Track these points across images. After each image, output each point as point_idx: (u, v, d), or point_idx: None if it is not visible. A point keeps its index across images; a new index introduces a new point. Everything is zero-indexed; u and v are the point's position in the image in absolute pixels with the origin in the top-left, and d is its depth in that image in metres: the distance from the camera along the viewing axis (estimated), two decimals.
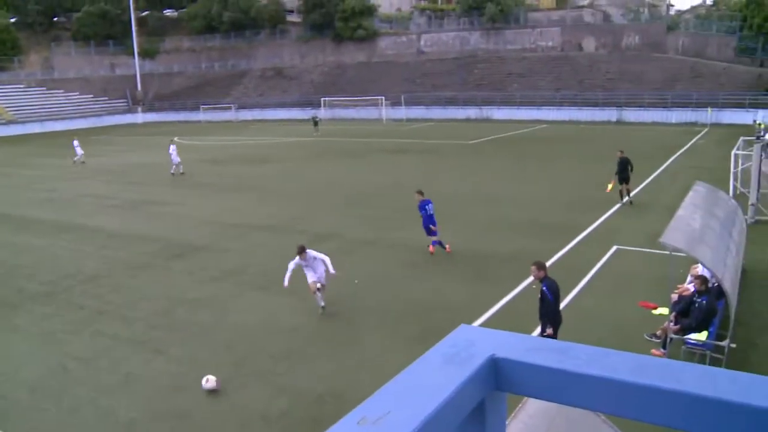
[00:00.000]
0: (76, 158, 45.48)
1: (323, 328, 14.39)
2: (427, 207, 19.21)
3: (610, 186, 24.92)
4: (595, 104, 66.59)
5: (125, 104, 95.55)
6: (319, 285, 14.83)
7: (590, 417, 3.75)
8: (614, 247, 19.33)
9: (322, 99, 79.71)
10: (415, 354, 1.36)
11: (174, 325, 14.98)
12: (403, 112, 74.70)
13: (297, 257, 14.72)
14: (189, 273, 18.76)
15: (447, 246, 19.38)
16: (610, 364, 1.32)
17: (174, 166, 36.56)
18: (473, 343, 1.41)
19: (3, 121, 78.38)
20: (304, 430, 10.16)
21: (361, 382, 11.51)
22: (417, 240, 20.13)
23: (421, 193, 19.47)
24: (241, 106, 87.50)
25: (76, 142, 46.28)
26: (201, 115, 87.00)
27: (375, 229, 22.89)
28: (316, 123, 63.79)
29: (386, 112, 74.47)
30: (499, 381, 1.36)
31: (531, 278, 13.62)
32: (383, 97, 74.68)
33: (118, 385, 12.29)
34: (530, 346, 1.40)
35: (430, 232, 19.25)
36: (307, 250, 14.82)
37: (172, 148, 36.39)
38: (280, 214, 26.00)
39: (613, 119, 64.36)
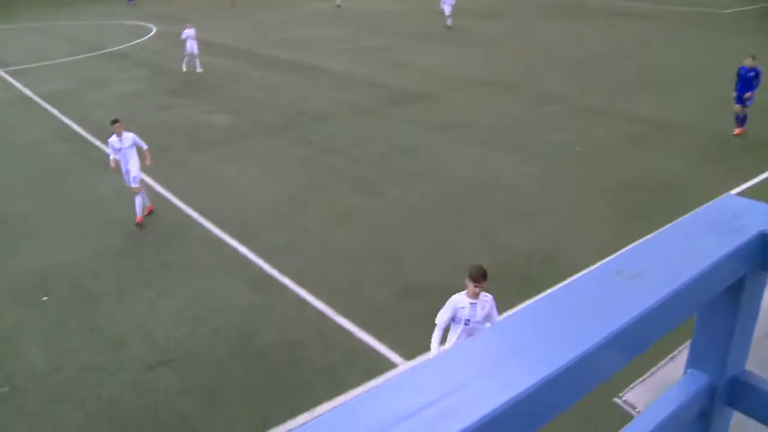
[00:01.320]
0: (338, 2, 47.76)
1: (541, 191, 14.29)
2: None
3: None
4: None
5: None
6: None
7: None
8: None
9: None
10: (631, 232, 1.38)
11: (393, 168, 15.71)
12: None
13: None
14: (411, 120, 19.32)
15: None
16: None
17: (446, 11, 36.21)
18: (741, 214, 1.29)
19: None
20: (511, 287, 10.48)
21: (572, 249, 11.55)
22: (647, 112, 19.10)
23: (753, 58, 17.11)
24: None
25: None
26: None
27: (603, 97, 21.82)
28: None
29: None
30: (766, 259, 1.24)
31: None
32: None
33: (339, 219, 13.32)
34: None
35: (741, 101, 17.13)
36: None
37: None
38: (507, 70, 25.57)
39: None
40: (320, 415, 0.78)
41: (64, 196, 15.26)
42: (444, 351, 1.02)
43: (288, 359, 9.11)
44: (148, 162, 14.07)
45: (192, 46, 27.11)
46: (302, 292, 10.68)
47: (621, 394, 7.86)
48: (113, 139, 13.64)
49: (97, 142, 19.52)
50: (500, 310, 9.70)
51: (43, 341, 10.03)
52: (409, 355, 8.93)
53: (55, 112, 23.83)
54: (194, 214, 13.99)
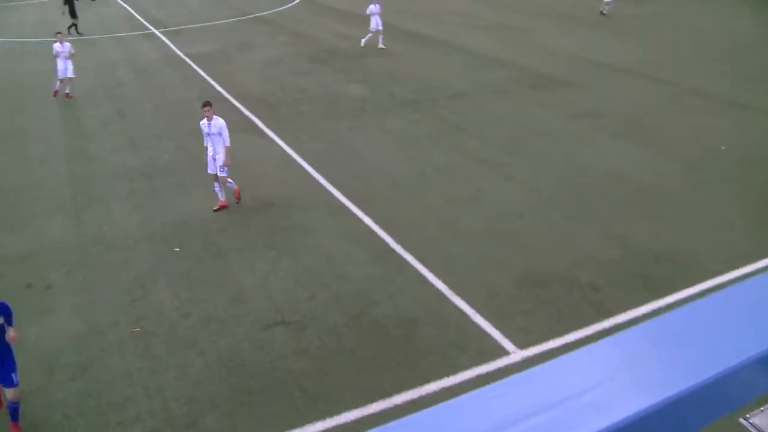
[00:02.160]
0: None
1: (676, 190, 13.42)
2: None
3: None
4: None
5: None
6: None
7: None
8: None
9: None
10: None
11: (525, 152, 15.38)
12: None
13: None
14: (548, 105, 18.81)
15: None
16: None
17: None
18: None
19: None
20: (633, 285, 10.06)
21: (706, 255, 10.90)
22: None
23: None
24: None
25: None
26: None
27: (757, 92, 20.06)
28: None
29: None
30: None
31: None
32: None
33: (465, 199, 13.19)
34: None
35: None
36: None
37: None
38: (653, 59, 24.23)
39: None
40: (470, 393, 0.74)
41: (203, 154, 15.92)
42: (592, 348, 0.97)
43: (402, 333, 9.14)
44: (227, 161, 13.03)
45: (377, 22, 26.78)
46: (422, 269, 10.67)
47: (748, 416, 7.39)
48: (203, 122, 13.12)
49: (238, 104, 20.25)
50: (623, 308, 9.40)
51: (173, 289, 10.56)
52: (523, 344, 8.76)
53: (202, 72, 24.91)
54: (322, 180, 14.27)
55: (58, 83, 22.26)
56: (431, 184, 13.98)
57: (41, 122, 20.00)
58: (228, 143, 12.98)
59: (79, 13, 35.01)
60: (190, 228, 12.57)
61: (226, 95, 21.38)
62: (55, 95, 22.34)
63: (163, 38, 32.38)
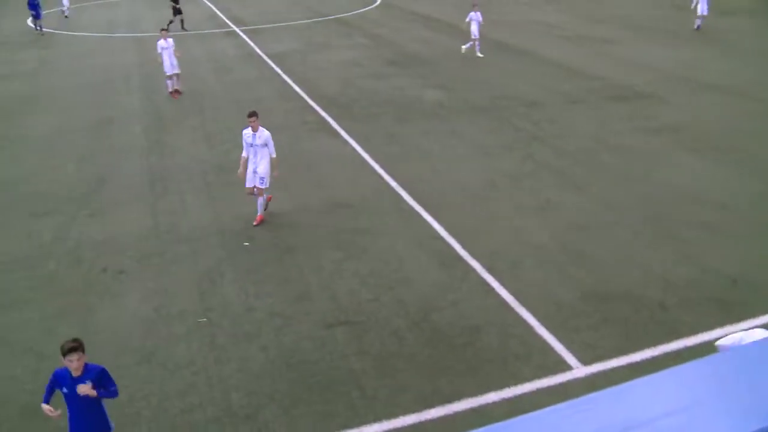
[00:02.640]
0: None
1: (757, 212, 12.83)
2: None
3: None
4: None
5: None
6: None
7: None
8: None
9: None
10: None
11: (599, 165, 15.05)
12: None
13: None
14: (626, 118, 18.35)
15: None
16: None
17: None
18: None
19: None
20: (705, 308, 9.71)
21: None
22: None
23: None
24: None
25: None
26: None
27: None
28: None
29: None
30: None
31: None
32: None
33: (535, 209, 13.00)
34: None
35: None
36: None
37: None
38: (739, 74, 23.34)
39: None
40: (576, 400, 0.72)
41: (278, 150, 16.12)
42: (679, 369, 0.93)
43: (464, 341, 9.07)
44: (275, 173, 12.73)
45: (476, 30, 26.35)
46: (488, 277, 10.57)
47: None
48: (247, 132, 12.42)
49: (313, 103, 20.49)
50: (693, 331, 9.09)
51: (240, 283, 10.75)
52: (587, 360, 8.56)
53: (279, 70, 25.32)
54: (393, 183, 14.30)
55: (168, 83, 22.15)
56: (501, 192, 13.84)
57: (126, 114, 20.70)
58: (274, 154, 12.51)
59: (167, 11, 36.07)
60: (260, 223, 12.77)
61: (302, 94, 21.68)
62: (173, 95, 22.15)
63: (244, 36, 33.05)
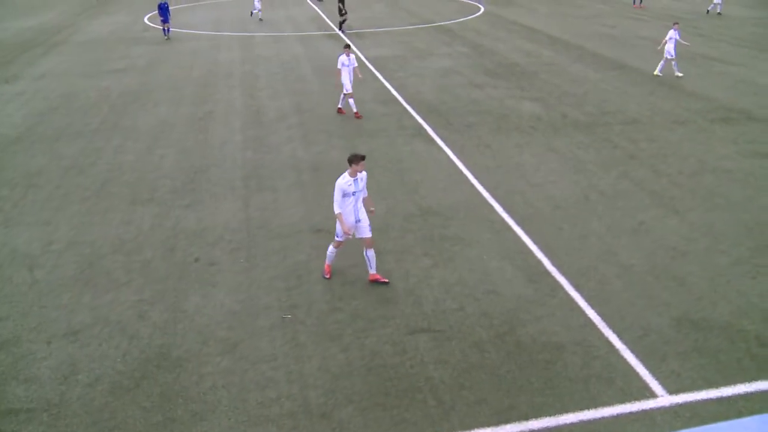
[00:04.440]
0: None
1: None
2: None
3: None
4: None
5: None
6: None
7: None
8: None
9: None
10: None
11: (699, 189, 14.50)
12: None
13: None
14: (733, 141, 17.59)
15: None
16: None
17: None
18: None
19: None
20: None
21: None
22: None
23: None
24: None
25: None
26: None
27: None
28: None
29: None
30: None
31: None
32: None
33: (629, 230, 12.65)
34: None
35: None
36: None
37: None
38: None
39: None
40: None
41: (373, 154, 16.28)
42: None
43: (546, 359, 8.91)
44: (373, 210, 11.10)
45: (672, 49, 24.53)
46: (576, 295, 10.36)
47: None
48: (346, 181, 10.26)
49: (410, 109, 20.60)
50: None
51: (327, 282, 10.90)
52: (672, 389, 8.26)
53: (378, 74, 25.57)
54: (486, 194, 14.21)
55: (351, 101, 20.15)
56: (595, 210, 13.52)
57: (227, 109, 21.40)
58: (366, 192, 10.75)
59: (271, 12, 37.08)
60: None
61: (400, 99, 21.84)
62: (340, 112, 20.67)
63: (346, 39, 33.54)
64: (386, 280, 10.90)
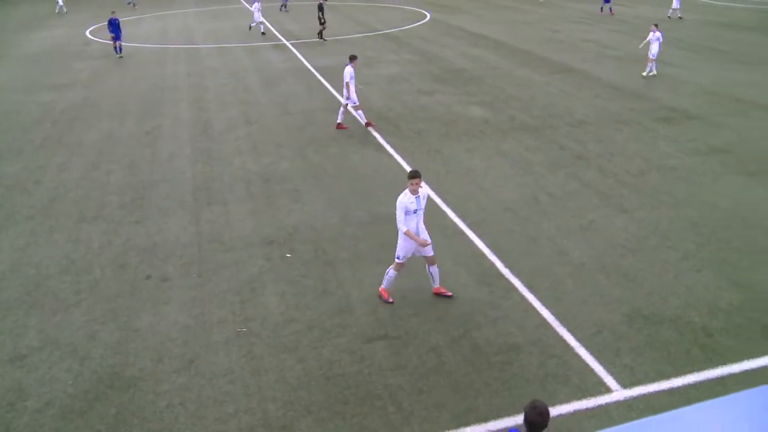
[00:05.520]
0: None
1: None
2: None
3: None
4: None
5: None
6: None
7: None
8: None
9: None
10: None
11: (645, 187, 14.82)
12: None
13: None
14: (675, 140, 18.05)
15: None
16: None
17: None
18: None
19: None
20: (752, 334, 9.45)
21: None
22: None
23: None
24: None
25: None
26: None
27: None
28: None
29: None
30: None
31: None
32: None
33: (579, 230, 12.86)
34: None
35: None
36: None
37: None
38: None
39: None
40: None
41: (323, 163, 16.27)
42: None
43: (503, 360, 8.99)
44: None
45: (653, 50, 25.42)
46: (529, 296, 10.48)
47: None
48: (408, 198, 9.71)
49: (359, 117, 20.59)
50: (738, 358, 8.87)
51: (281, 294, 10.83)
52: (627, 383, 8.41)
53: (326, 83, 25.56)
54: (438, 199, 14.29)
55: (360, 113, 20.00)
56: (545, 211, 13.71)
57: (174, 122, 21.13)
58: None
59: (216, 23, 36.74)
60: (302, 235, 12.87)
61: (348, 108, 21.81)
62: (368, 126, 19.96)
63: (293, 50, 33.46)
64: (450, 294, 10.58)
